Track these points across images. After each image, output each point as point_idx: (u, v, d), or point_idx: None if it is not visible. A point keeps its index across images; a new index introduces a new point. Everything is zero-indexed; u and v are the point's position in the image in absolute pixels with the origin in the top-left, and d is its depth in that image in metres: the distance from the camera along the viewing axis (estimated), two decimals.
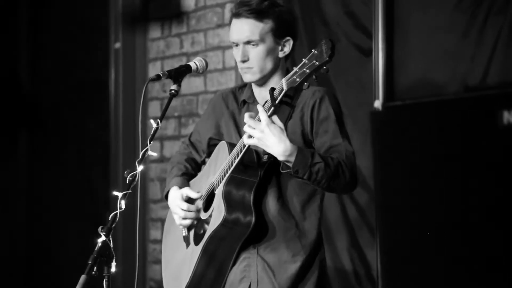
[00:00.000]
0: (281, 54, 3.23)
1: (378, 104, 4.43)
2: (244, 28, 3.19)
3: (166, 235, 3.56)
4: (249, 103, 3.31)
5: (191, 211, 3.28)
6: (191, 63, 3.26)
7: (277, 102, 2.93)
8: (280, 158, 2.97)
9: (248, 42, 3.19)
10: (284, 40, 3.22)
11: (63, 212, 6.37)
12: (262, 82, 3.25)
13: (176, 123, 5.72)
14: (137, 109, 5.85)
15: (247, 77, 3.23)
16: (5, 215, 6.50)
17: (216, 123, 3.41)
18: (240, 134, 3.25)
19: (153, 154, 3.07)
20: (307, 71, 2.85)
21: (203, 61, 3.28)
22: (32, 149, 6.69)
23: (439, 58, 4.32)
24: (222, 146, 3.25)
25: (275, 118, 2.96)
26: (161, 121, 3.07)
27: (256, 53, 3.19)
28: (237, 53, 3.23)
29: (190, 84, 5.54)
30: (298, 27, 3.31)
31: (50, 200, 6.48)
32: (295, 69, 2.89)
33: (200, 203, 3.29)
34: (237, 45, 3.22)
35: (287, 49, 3.23)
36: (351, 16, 4.71)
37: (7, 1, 6.55)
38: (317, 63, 2.83)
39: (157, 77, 3.13)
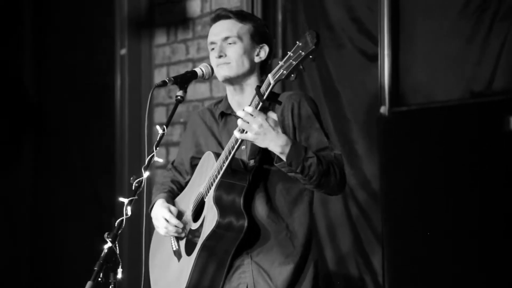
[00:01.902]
0: (256, 59, 3.27)
1: (384, 109, 4.43)
2: (223, 27, 3.26)
3: (153, 257, 3.54)
4: (227, 114, 3.32)
5: (174, 223, 3.26)
6: (197, 69, 3.26)
7: (265, 97, 2.93)
8: (277, 150, 2.98)
9: (225, 39, 3.24)
10: (260, 45, 3.27)
11: (68, 218, 6.36)
12: (237, 83, 3.26)
13: (181, 129, 5.72)
14: (143, 115, 5.85)
15: (223, 72, 3.23)
16: (10, 221, 6.51)
17: (195, 142, 3.42)
18: (222, 146, 3.27)
19: (159, 160, 3.06)
20: (294, 62, 2.86)
21: (209, 67, 3.28)
22: (37, 155, 6.69)
23: (445, 64, 4.32)
24: (208, 156, 3.26)
25: (270, 112, 2.98)
26: (167, 127, 3.07)
27: (234, 49, 3.23)
28: (213, 53, 3.26)
29: (195, 90, 5.54)
30: (273, 44, 3.36)
31: (56, 206, 6.48)
32: (280, 63, 2.90)
33: (189, 215, 3.28)
34: (213, 49, 3.26)
35: (263, 55, 3.28)
36: (356, 21, 4.72)
37: (12, 7, 6.57)
38: (303, 53, 2.84)
39: (163, 83, 3.14)
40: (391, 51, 4.47)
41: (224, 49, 3.23)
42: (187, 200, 3.33)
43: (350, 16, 4.74)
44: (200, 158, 3.36)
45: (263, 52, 3.28)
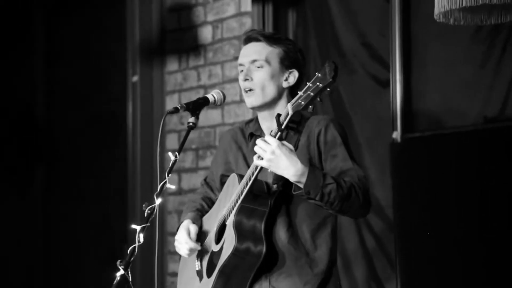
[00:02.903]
0: (285, 84, 3.25)
1: (396, 135, 4.42)
2: (253, 49, 3.25)
3: (181, 272, 3.54)
4: (256, 135, 3.30)
5: (190, 243, 3.26)
6: (209, 96, 3.25)
7: (283, 127, 2.94)
8: (292, 179, 2.97)
9: (253, 62, 3.22)
10: (290, 70, 3.25)
11: (80, 246, 6.36)
12: (265, 109, 3.26)
13: (193, 156, 5.72)
14: (155, 142, 5.85)
15: (250, 101, 3.23)
16: (21, 249, 6.50)
17: (226, 160, 3.41)
18: (249, 166, 3.23)
19: (171, 187, 3.05)
20: (312, 93, 2.86)
21: (221, 94, 3.27)
22: (48, 182, 6.69)
23: (457, 89, 4.31)
24: (233, 178, 3.24)
25: (284, 142, 2.97)
26: (179, 154, 3.06)
27: (260, 74, 3.21)
28: (241, 75, 3.26)
29: (207, 116, 5.55)
30: (305, 67, 3.34)
31: (67, 234, 6.48)
32: (300, 93, 2.90)
33: (212, 236, 3.28)
34: (242, 70, 3.26)
35: (292, 80, 3.25)
36: (367, 47, 4.72)
37: (23, 36, 6.60)
38: (320, 85, 2.85)
39: (175, 110, 3.13)
40: (403, 76, 4.47)
41: (250, 72, 3.22)
42: (212, 221, 3.32)
43: (361, 42, 4.74)
44: (228, 176, 3.35)
45: (292, 77, 3.25)
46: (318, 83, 2.86)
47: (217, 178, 3.46)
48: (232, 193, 3.18)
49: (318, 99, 2.88)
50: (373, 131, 4.62)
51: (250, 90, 3.22)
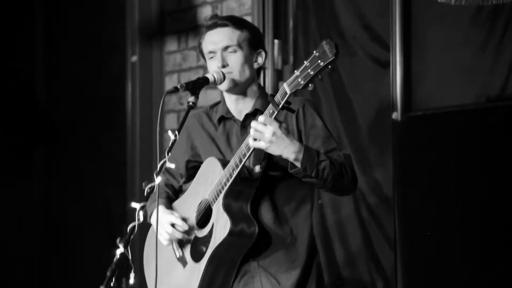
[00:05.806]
0: (255, 65, 3.30)
1: (396, 116, 4.42)
2: (223, 35, 3.26)
3: (147, 264, 3.50)
4: (227, 119, 3.32)
5: (184, 228, 3.27)
6: (209, 75, 3.25)
7: (280, 106, 2.95)
8: (292, 156, 2.99)
9: (226, 48, 3.24)
10: (258, 51, 3.29)
11: (80, 226, 6.37)
12: (238, 91, 3.28)
13: None
14: (154, 122, 5.85)
15: (228, 82, 3.24)
16: (21, 231, 6.52)
17: (191, 145, 3.43)
18: (220, 150, 3.29)
19: (171, 165, 3.05)
20: (312, 72, 2.87)
21: (221, 73, 3.27)
22: (48, 163, 6.70)
23: (457, 71, 4.31)
24: (212, 162, 3.25)
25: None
26: (179, 133, 3.07)
27: (236, 58, 3.24)
28: (213, 62, 3.26)
29: (206, 96, 5.54)
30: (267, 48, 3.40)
31: (67, 214, 6.49)
32: (297, 72, 2.91)
33: (193, 221, 3.28)
34: (212, 57, 3.26)
35: (261, 60, 3.30)
36: (367, 28, 4.71)
37: (23, 18, 6.59)
38: (322, 63, 2.86)
39: (175, 89, 3.13)
40: (403, 57, 4.47)
41: (225, 58, 3.24)
42: (187, 207, 3.33)
43: (361, 24, 4.73)
44: (195, 161, 3.39)
45: (261, 58, 3.30)
46: (318, 61, 2.86)
47: (181, 164, 3.45)
48: (213, 177, 3.19)
49: (319, 76, 2.88)
50: (373, 113, 4.62)
51: (228, 73, 3.24)
